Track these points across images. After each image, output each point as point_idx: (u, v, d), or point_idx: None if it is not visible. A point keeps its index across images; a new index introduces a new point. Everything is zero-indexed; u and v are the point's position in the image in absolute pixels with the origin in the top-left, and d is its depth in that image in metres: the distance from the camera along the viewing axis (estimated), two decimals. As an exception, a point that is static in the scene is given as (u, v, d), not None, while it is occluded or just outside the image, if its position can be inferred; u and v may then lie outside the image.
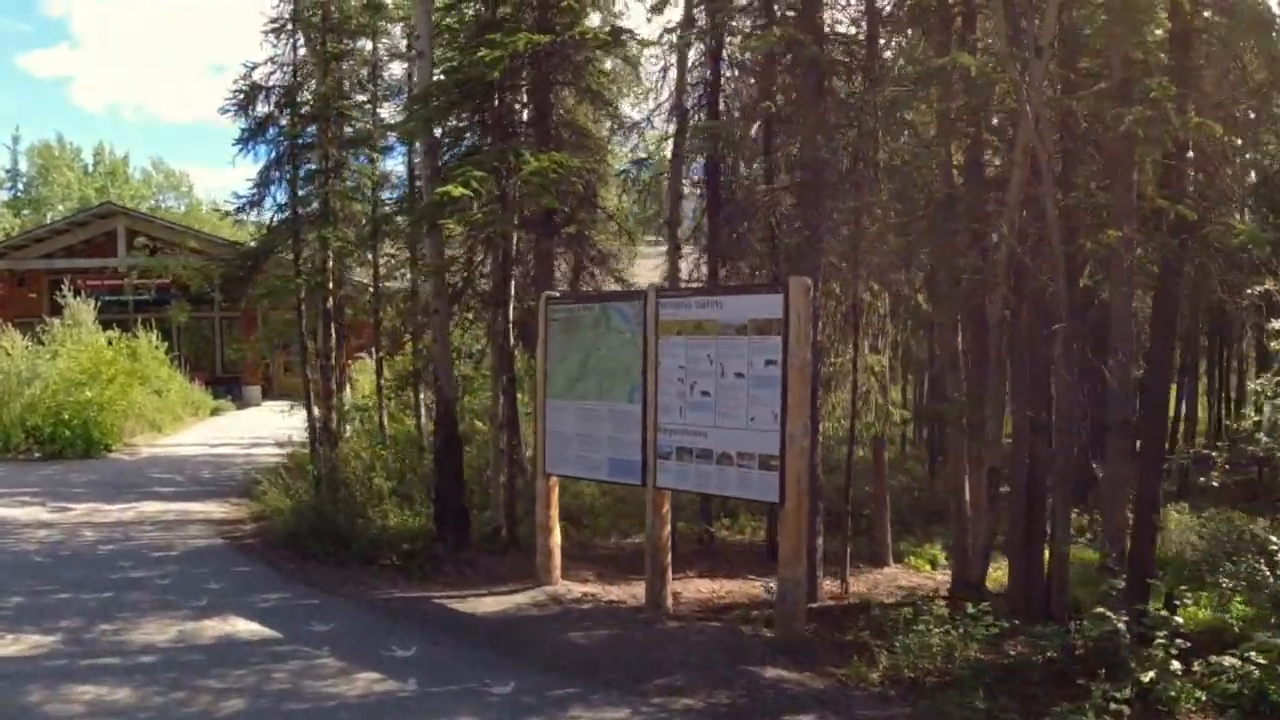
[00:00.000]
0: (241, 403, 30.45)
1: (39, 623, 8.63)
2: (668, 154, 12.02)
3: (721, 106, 11.49)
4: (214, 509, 14.63)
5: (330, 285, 14.01)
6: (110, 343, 22.62)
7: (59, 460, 19.92)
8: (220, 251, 27.62)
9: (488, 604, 9.25)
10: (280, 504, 13.54)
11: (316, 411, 14.72)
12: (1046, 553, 8.42)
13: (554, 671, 7.44)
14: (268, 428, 24.77)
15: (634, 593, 9.60)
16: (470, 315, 15.61)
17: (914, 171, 9.69)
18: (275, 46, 13.57)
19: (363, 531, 11.23)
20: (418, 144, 15.72)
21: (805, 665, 7.52)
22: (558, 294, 9.94)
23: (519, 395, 12.32)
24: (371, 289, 17.81)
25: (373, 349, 19.48)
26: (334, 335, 14.40)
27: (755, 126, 11.44)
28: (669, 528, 8.87)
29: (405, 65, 16.55)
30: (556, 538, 9.78)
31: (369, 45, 15.15)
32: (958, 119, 8.87)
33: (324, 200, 13.44)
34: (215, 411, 28.53)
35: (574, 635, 8.39)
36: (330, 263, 13.88)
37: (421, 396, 17.59)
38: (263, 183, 13.58)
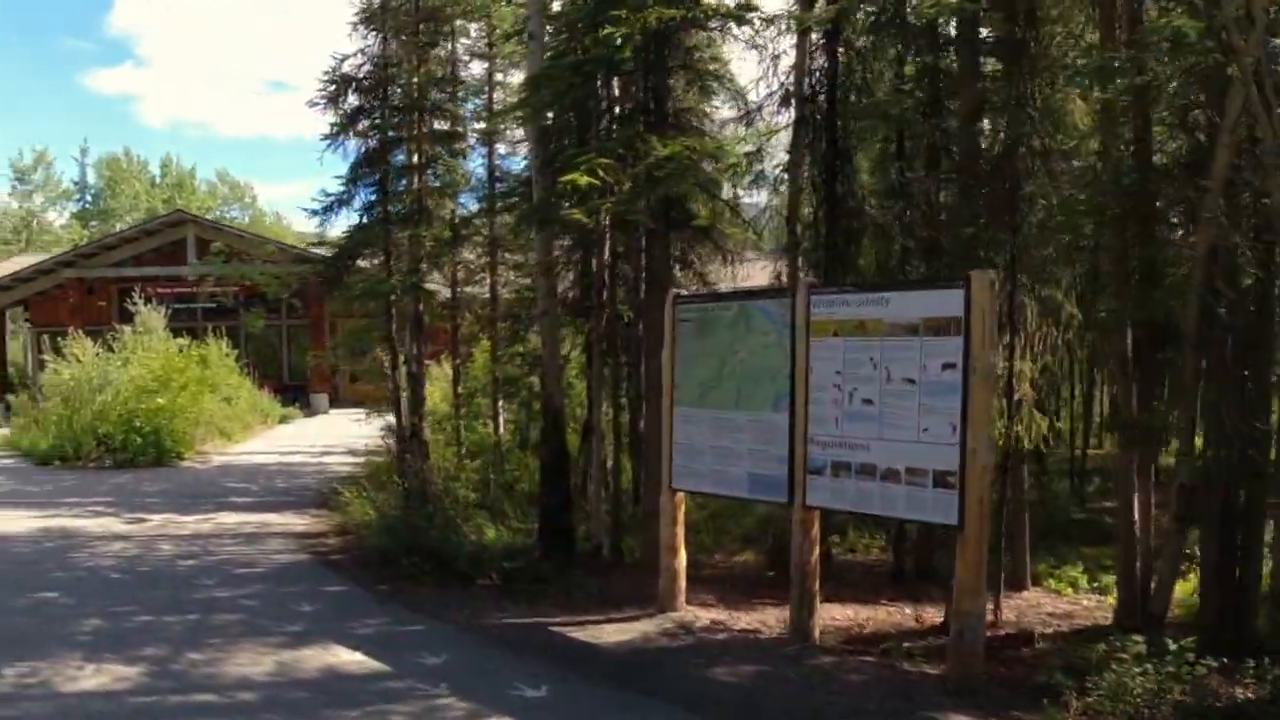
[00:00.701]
0: (309, 410, 29.58)
1: (121, 650, 7.67)
2: (777, 144, 10.93)
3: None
4: (294, 521, 13.68)
5: (423, 286, 13.00)
6: (181, 350, 21.78)
7: (130, 468, 19.10)
8: (284, 258, 26.87)
9: (610, 633, 8.17)
10: (364, 516, 12.60)
11: (404, 420, 13.66)
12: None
13: (704, 716, 6.38)
14: (337, 435, 23.92)
15: (764, 620, 8.55)
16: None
17: (1077, 158, 8.56)
18: (365, 38, 12.62)
19: (458, 548, 10.20)
20: (512, 137, 14.95)
21: (988, 711, 6.41)
22: (686, 293, 8.84)
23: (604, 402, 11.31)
24: (449, 294, 16.92)
25: (442, 356, 18.62)
26: (420, 340, 13.37)
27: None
28: (818, 551, 7.75)
29: (485, 65, 15.69)
30: (682, 560, 8.70)
31: (448, 46, 14.21)
32: (1135, 99, 7.73)
33: (416, 197, 12.43)
34: (284, 419, 27.67)
35: (717, 672, 7.29)
36: (424, 263, 12.88)
37: (500, 404, 16.70)
38: (353, 179, 12.61)
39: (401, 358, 13.36)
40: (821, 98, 10.41)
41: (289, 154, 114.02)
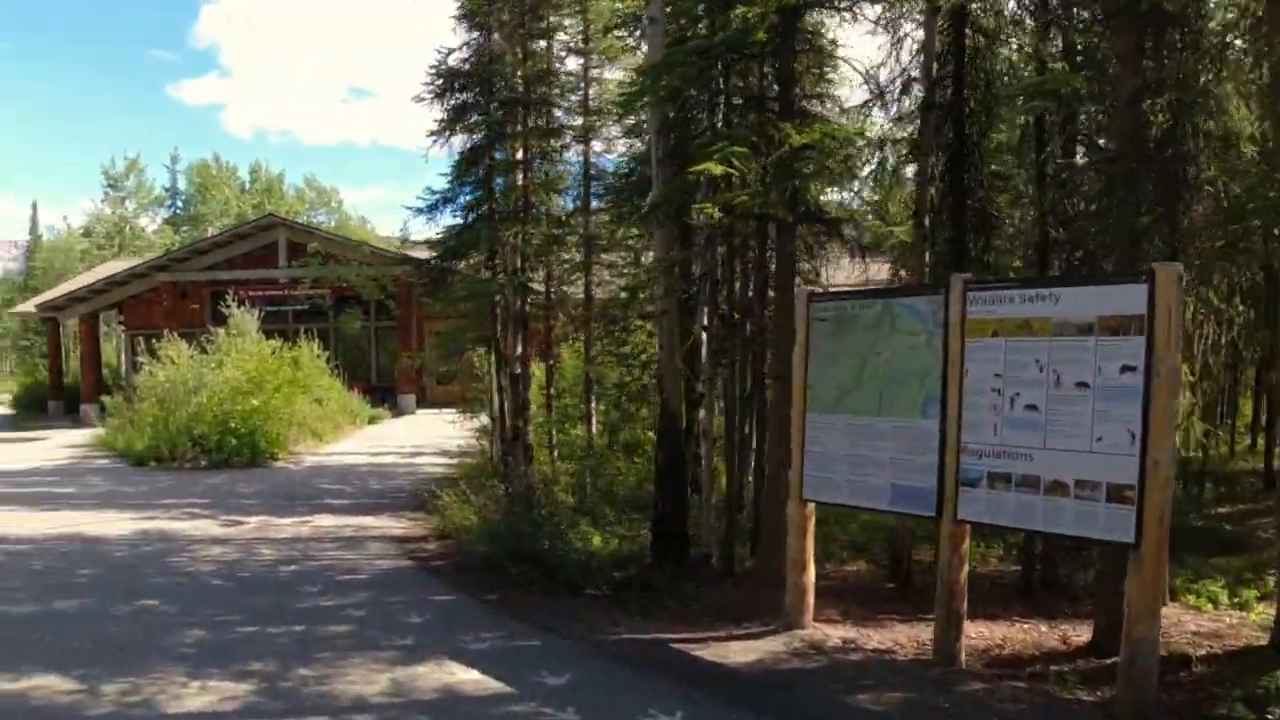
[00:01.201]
0: (397, 411, 29.31)
1: (226, 665, 7.19)
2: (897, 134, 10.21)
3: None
4: (391, 524, 13.21)
5: (530, 285, 12.46)
6: (273, 352, 21.55)
7: (225, 469, 18.85)
8: (375, 260, 26.57)
9: (736, 652, 7.53)
10: (463, 520, 12.10)
11: (506, 421, 13.13)
12: None
13: (856, 750, 5.73)
14: (426, 436, 23.60)
15: (896, 639, 7.84)
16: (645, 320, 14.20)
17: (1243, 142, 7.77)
18: (469, 32, 12.11)
19: (566, 557, 9.63)
20: (608, 135, 14.38)
21: (1167, 748, 5.69)
22: (820, 290, 8.15)
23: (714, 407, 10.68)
24: (544, 294, 16.46)
25: (531, 356, 18.13)
26: (525, 340, 12.83)
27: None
28: (966, 568, 7.04)
29: (581, 61, 15.15)
30: (810, 575, 8.03)
31: (541, 43, 13.66)
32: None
33: (522, 194, 11.89)
34: (373, 420, 27.40)
35: (861, 699, 6.61)
36: (529, 261, 12.35)
37: (593, 405, 16.22)
38: (458, 176, 12.10)
39: (504, 358, 12.81)
40: (948, 82, 9.72)
41: (371, 159, 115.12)
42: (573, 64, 15.14)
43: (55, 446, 23.91)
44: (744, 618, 8.34)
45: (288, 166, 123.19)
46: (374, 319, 32.77)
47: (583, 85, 15.51)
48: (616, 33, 13.20)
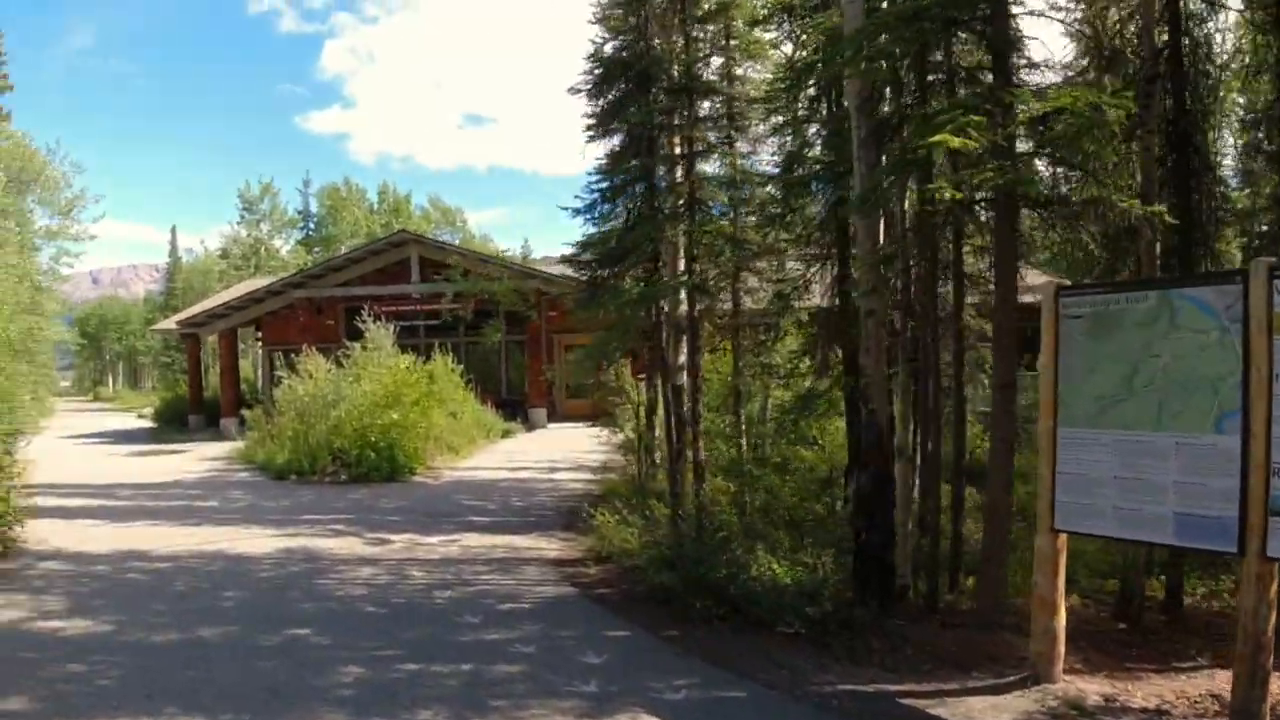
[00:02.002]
0: (529, 425, 28.46)
1: (393, 713, 6.22)
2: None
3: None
4: (543, 545, 12.18)
5: (705, 287, 11.35)
6: (408, 366, 20.80)
7: (364, 483, 18.10)
8: (508, 274, 25.77)
9: (981, 711, 6.26)
10: (622, 542, 11.03)
11: (673, 437, 12.00)
12: None
13: None
14: (562, 451, 22.69)
15: (1161, 694, 6.51)
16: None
17: None
18: (626, 19, 11.07)
19: (747, 588, 8.45)
20: (755, 134, 13.21)
21: None
22: (1070, 283, 6.83)
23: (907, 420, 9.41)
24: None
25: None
26: (694, 349, 11.70)
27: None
28: (1275, 615, 5.67)
29: (721, 59, 14.06)
30: (1062, 618, 6.71)
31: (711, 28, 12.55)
32: None
33: (689, 190, 10.79)
34: (505, 434, 26.57)
35: (1158, 778, 5.32)
36: (697, 263, 11.22)
37: (742, 416, 15.08)
38: (617, 172, 11.04)
39: (667, 368, 11.71)
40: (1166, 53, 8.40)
41: (488, 183, 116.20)
42: (715, 62, 14.12)
43: (196, 459, 23.55)
44: (971, 665, 7.08)
45: (411, 190, 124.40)
46: (504, 332, 32.07)
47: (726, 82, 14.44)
48: (761, 28, 12.08)
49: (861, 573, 8.20)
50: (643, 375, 21.74)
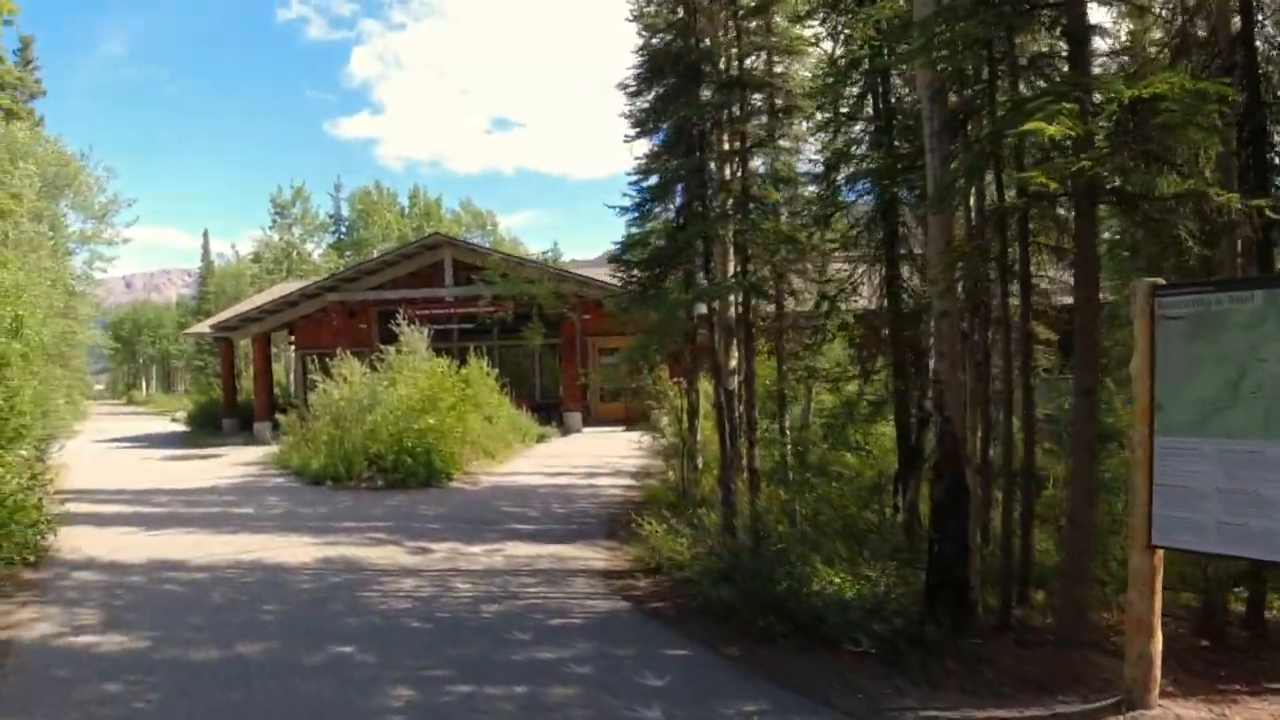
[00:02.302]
0: (564, 429, 28.05)
1: (448, 739, 5.76)
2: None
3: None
4: (589, 555, 11.76)
5: (762, 287, 10.89)
6: (444, 370, 20.41)
7: (401, 489, 17.73)
8: (544, 276, 25.41)
9: (1078, 740, 5.80)
10: (671, 552, 10.60)
11: (726, 443, 11.55)
12: None
13: None
14: (598, 456, 22.29)
15: (1258, 719, 6.02)
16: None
17: None
18: (668, 13, 10.65)
19: (810, 603, 8.00)
20: (796, 133, 12.75)
21: None
22: (1165, 282, 6.33)
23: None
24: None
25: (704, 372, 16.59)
26: (748, 353, 11.25)
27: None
28: None
29: (763, 55, 13.63)
30: (1158, 641, 6.20)
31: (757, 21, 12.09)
32: None
33: (742, 187, 10.33)
34: (540, 438, 26.18)
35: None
36: (751, 264, 10.76)
37: (785, 421, 14.62)
38: (669, 169, 10.60)
39: (719, 371, 11.26)
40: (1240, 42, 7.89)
41: (515, 186, 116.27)
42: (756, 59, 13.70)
43: (230, 464, 23.29)
44: (1055, 688, 6.60)
45: (441, 194, 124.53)
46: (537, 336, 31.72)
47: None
48: (802, 24, 11.63)
49: (933, 587, 7.72)
50: (679, 379, 21.34)
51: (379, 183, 67.00)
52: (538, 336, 15.94)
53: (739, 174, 10.33)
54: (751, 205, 10.04)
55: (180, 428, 37.15)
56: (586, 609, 9.14)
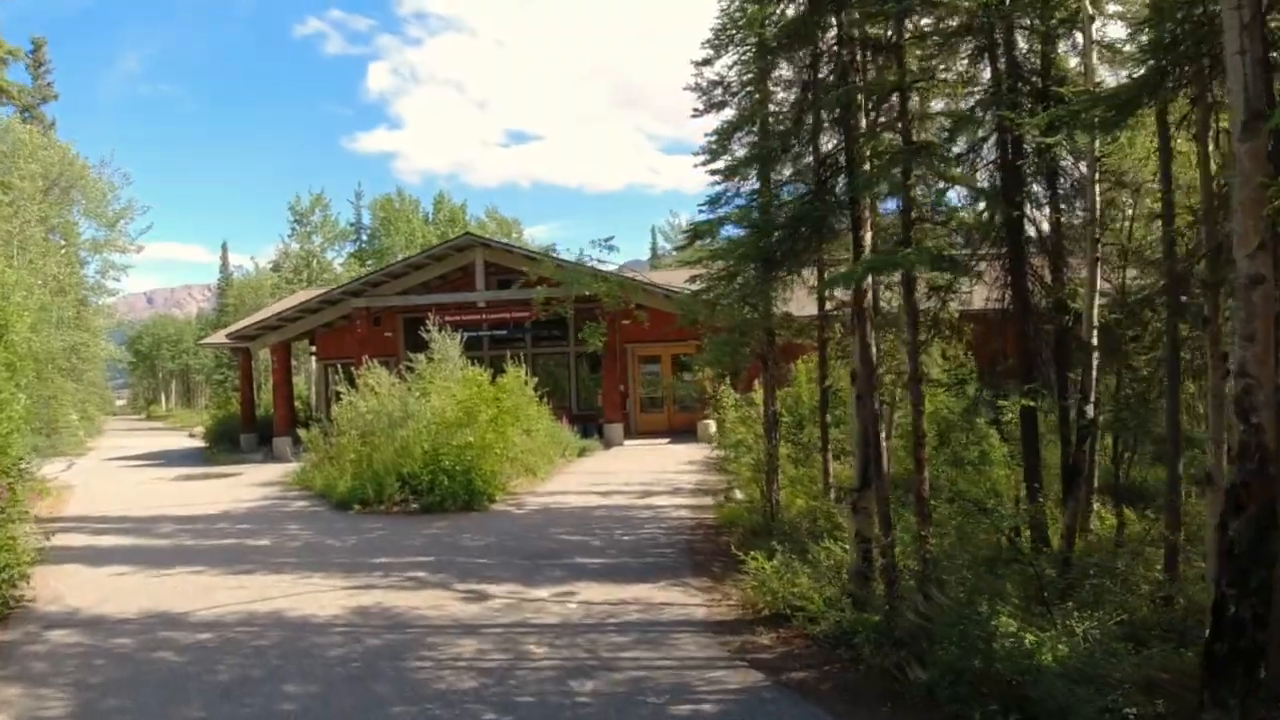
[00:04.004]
0: (605, 442, 25.64)
1: None
2: None
3: None
4: (681, 598, 9.43)
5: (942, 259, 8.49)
6: (479, 379, 17.98)
7: (439, 513, 15.44)
8: (585, 275, 23.07)
9: None
10: (797, 597, 8.27)
11: (871, 468, 9.16)
12: None
13: None
14: (649, 471, 19.99)
15: None
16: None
17: None
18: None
19: (1044, 681, 5.65)
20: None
21: None
22: None
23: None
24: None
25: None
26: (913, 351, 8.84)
27: None
28: None
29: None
30: None
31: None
32: None
33: (905, 135, 7.91)
34: (582, 452, 23.76)
35: None
36: (912, 232, 8.36)
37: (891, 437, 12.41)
38: (802, 109, 8.26)
39: (853, 376, 8.86)
40: None
41: (532, 199, 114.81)
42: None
43: (248, 485, 20.99)
44: None
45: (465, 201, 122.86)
46: (573, 343, 29.36)
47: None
48: None
49: (1218, 658, 5.34)
50: (743, 386, 19.01)
51: (401, 190, 64.99)
52: (599, 339, 13.74)
53: (900, 120, 7.88)
54: (922, 155, 7.52)
55: (197, 443, 34.91)
56: (712, 685, 6.79)
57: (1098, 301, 9.64)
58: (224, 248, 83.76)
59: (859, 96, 7.56)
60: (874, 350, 8.74)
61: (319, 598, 9.72)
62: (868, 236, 8.16)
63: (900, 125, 7.41)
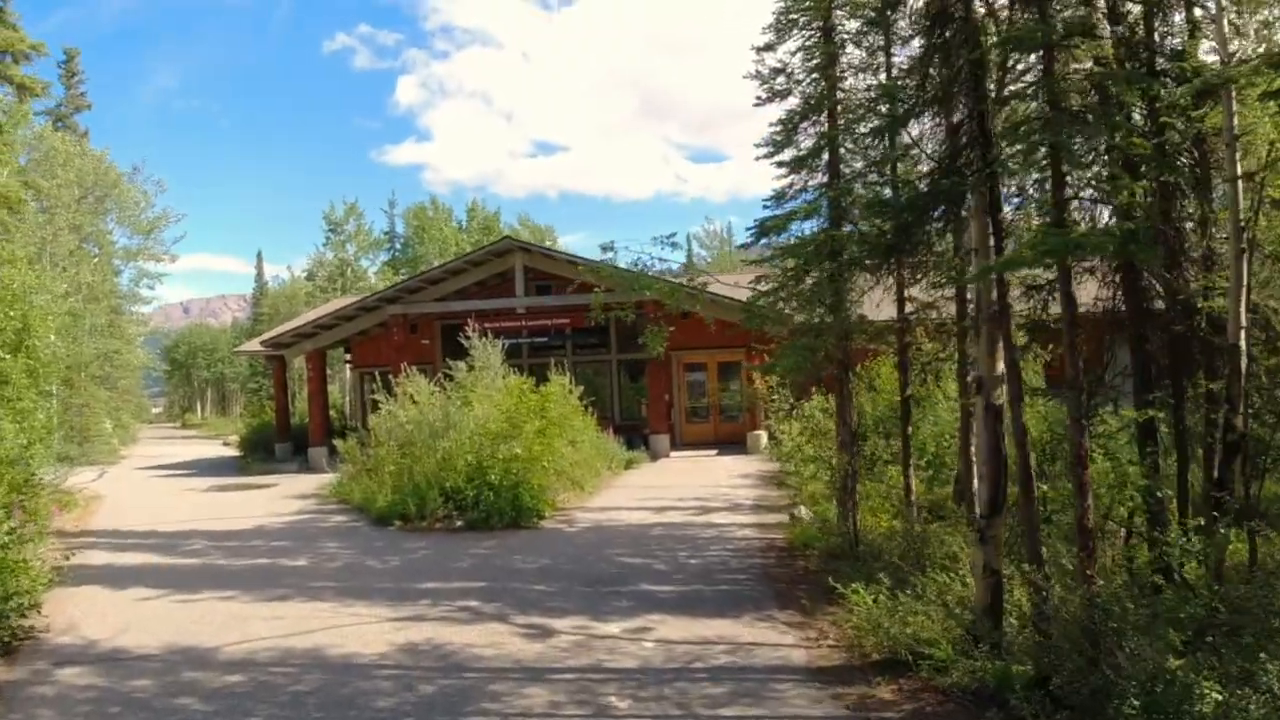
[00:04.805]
0: (652, 454, 24.38)
1: None
2: None
3: None
4: (772, 636, 8.21)
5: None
6: (523, 387, 16.77)
7: (485, 531, 14.30)
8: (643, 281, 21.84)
9: None
10: (920, 639, 7.06)
11: (1003, 483, 7.92)
12: None
13: None
14: (701, 485, 18.82)
15: None
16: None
17: None
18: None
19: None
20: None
21: None
22: None
23: None
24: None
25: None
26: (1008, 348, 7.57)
27: None
28: None
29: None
30: None
31: None
32: None
33: (1050, 96, 6.65)
34: (629, 464, 22.52)
35: None
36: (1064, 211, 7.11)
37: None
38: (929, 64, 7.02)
39: (978, 381, 7.62)
40: None
41: (560, 209, 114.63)
42: None
43: (282, 497, 19.91)
44: None
45: (499, 209, 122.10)
46: (615, 351, 28.17)
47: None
48: None
49: None
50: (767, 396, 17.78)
51: (434, 199, 63.99)
52: (661, 343, 12.61)
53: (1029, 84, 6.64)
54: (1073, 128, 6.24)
55: (231, 453, 33.94)
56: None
57: (1244, 299, 8.36)
58: (259, 257, 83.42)
59: (994, 53, 6.34)
60: (992, 356, 7.47)
61: (363, 631, 8.56)
62: (982, 220, 6.92)
63: (1045, 89, 6.17)
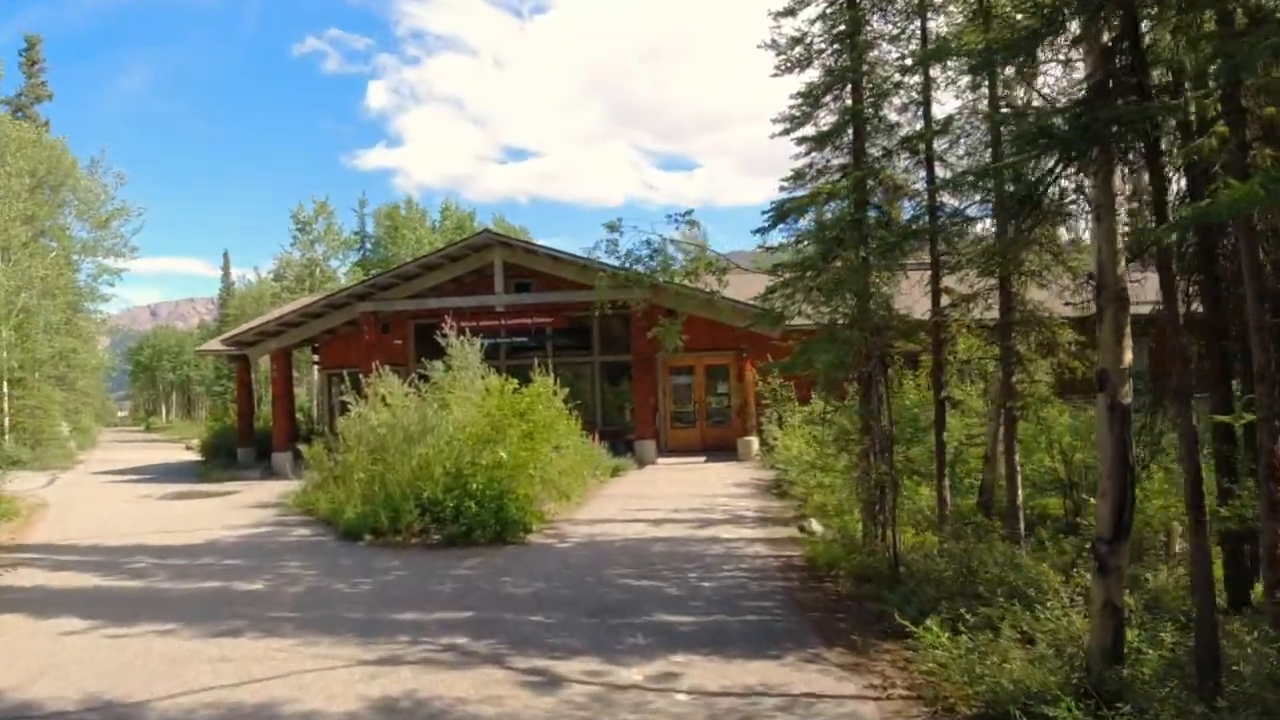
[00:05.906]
0: (638, 460, 22.79)
1: None
2: None
3: None
4: (829, 685, 6.67)
5: None
6: (504, 389, 15.14)
7: (467, 546, 12.72)
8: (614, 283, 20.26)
9: None
10: (1019, 685, 5.56)
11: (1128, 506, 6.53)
12: None
13: None
14: (694, 494, 17.34)
15: None
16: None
17: None
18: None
19: None
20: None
21: None
22: None
23: None
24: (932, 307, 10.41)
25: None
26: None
27: None
28: None
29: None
30: None
31: None
32: None
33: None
34: (615, 472, 20.94)
35: None
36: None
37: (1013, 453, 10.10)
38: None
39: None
40: None
41: (530, 215, 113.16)
42: None
43: (242, 506, 18.19)
44: None
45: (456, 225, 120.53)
46: (597, 352, 26.59)
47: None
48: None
49: None
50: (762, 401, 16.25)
51: (410, 198, 62.20)
52: (676, 338, 11.23)
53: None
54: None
55: (193, 457, 32.05)
56: None
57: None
58: (225, 258, 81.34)
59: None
60: (1118, 346, 5.97)
61: (327, 680, 6.94)
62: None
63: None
